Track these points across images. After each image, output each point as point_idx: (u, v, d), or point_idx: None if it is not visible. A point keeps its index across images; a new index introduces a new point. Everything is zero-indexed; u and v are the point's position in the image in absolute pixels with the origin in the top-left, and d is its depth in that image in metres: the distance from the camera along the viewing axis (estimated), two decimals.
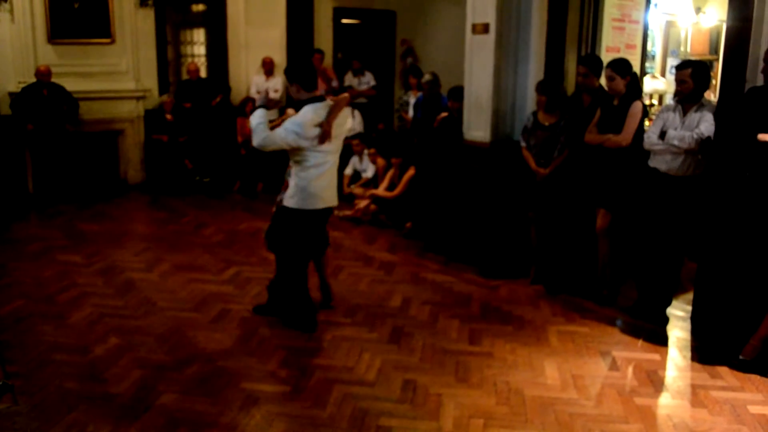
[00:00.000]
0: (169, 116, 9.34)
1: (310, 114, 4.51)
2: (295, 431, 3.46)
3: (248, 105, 9.30)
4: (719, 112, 4.67)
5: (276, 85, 9.77)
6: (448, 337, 4.67)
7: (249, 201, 8.75)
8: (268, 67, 9.74)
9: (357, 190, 8.27)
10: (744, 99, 4.41)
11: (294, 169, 4.65)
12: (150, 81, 9.53)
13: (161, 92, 9.62)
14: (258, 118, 4.58)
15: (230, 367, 4.13)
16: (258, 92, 9.66)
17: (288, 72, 4.81)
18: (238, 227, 7.44)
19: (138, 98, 9.40)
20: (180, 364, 4.15)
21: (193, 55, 10.26)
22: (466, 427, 3.52)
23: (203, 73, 9.98)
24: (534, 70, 6.00)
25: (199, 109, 9.47)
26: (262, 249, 6.54)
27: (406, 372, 4.11)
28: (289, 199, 4.66)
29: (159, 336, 4.57)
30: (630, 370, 4.24)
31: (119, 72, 9.19)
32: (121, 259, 6.20)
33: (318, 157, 4.56)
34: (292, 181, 4.65)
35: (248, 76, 9.99)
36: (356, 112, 9.36)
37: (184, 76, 9.88)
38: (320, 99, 4.63)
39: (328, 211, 4.84)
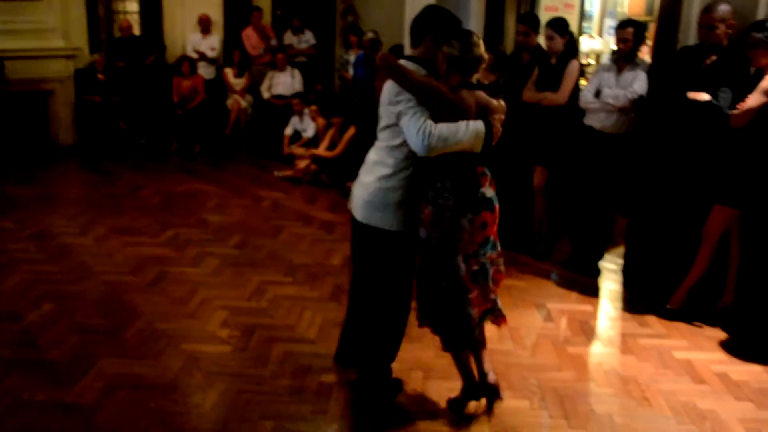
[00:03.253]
0: (101, 76, 9.03)
1: None
2: (237, 390, 3.47)
3: (184, 64, 9.08)
4: (653, 71, 4.79)
5: (213, 43, 9.55)
6: None
7: (187, 162, 8.59)
8: (204, 25, 9.50)
9: (297, 150, 8.20)
10: (676, 58, 4.53)
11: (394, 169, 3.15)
12: (80, 39, 9.16)
13: (92, 51, 9.27)
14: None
15: (169, 329, 4.10)
16: (194, 51, 9.44)
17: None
18: (176, 189, 7.32)
19: (68, 57, 9.03)
20: (117, 328, 4.10)
21: (125, 12, 9.90)
22: (406, 379, 3.59)
23: (136, 31, 9.66)
24: (474, 28, 6.01)
25: (133, 68, 9.19)
26: (201, 211, 6.50)
27: None
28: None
29: (95, 300, 4.49)
30: (564, 321, 4.38)
31: (47, 29, 8.79)
32: (53, 224, 6.03)
33: None
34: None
35: (184, 34, 9.73)
36: (296, 71, 9.24)
37: (116, 34, 9.55)
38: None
39: None
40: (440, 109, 2.99)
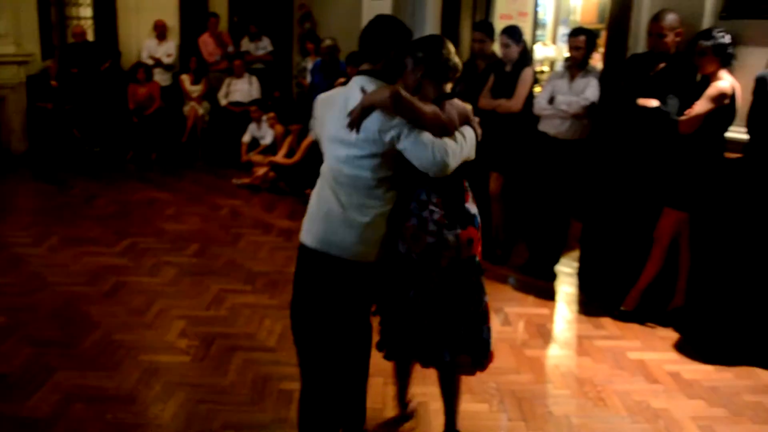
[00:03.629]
0: (53, 82, 8.87)
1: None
2: (197, 400, 3.44)
3: (140, 71, 8.98)
4: (604, 78, 4.90)
5: (169, 49, 9.46)
6: None
7: (143, 171, 8.49)
8: (160, 31, 9.42)
9: (255, 157, 8.18)
10: (625, 65, 4.65)
11: (386, 200, 2.83)
12: (32, 45, 9.00)
13: (45, 57, 9.12)
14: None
15: (127, 340, 4.05)
16: (150, 57, 9.33)
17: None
18: (132, 198, 7.22)
19: (19, 63, 8.86)
20: (73, 340, 4.03)
21: (78, 18, 9.75)
22: (367, 386, 3.60)
23: (90, 37, 9.53)
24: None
25: (87, 74, 9.06)
26: (158, 219, 6.43)
27: None
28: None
29: (50, 312, 4.41)
30: (521, 324, 4.45)
31: None
32: (5, 234, 5.90)
33: None
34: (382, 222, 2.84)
35: (139, 41, 9.63)
36: (254, 78, 9.21)
37: (70, 40, 9.40)
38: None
39: None
40: (439, 131, 2.72)
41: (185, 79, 9.37)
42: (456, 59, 2.88)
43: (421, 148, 2.63)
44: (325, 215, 2.82)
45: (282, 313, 4.44)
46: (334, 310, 2.91)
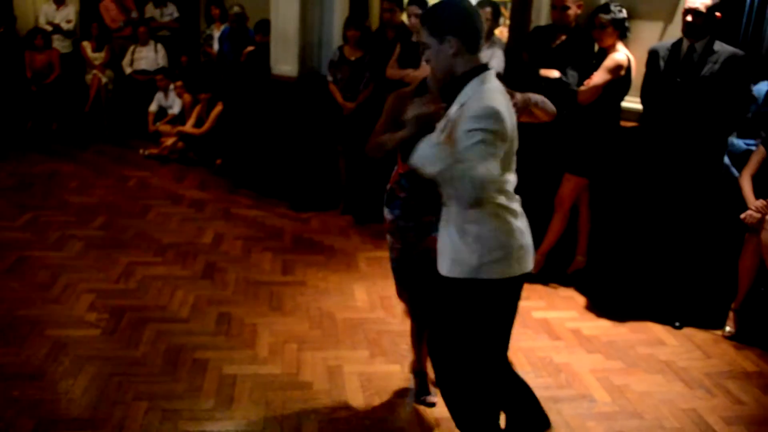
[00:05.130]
0: None
1: (500, 95, 2.42)
2: (108, 373, 3.40)
3: (37, 37, 8.55)
4: (509, 49, 5.04)
5: (68, 15, 9.04)
6: (261, 269, 4.76)
7: (44, 142, 8.13)
8: None
9: (163, 127, 7.97)
10: (529, 37, 4.79)
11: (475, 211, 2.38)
12: None
13: None
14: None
15: (33, 316, 3.93)
16: (48, 23, 8.90)
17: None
18: (33, 170, 6.93)
19: None
20: None
21: None
22: (281, 352, 3.66)
23: None
24: (340, 4, 6.07)
25: None
26: (61, 192, 6.21)
27: (221, 306, 4.16)
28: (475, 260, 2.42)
29: None
30: None
31: None
32: None
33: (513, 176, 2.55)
34: (472, 232, 2.42)
35: (36, 5, 9.15)
36: (159, 46, 8.92)
37: None
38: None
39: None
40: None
41: (86, 46, 8.98)
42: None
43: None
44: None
45: (194, 284, 4.45)
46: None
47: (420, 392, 3.33)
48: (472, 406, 2.62)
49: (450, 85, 2.46)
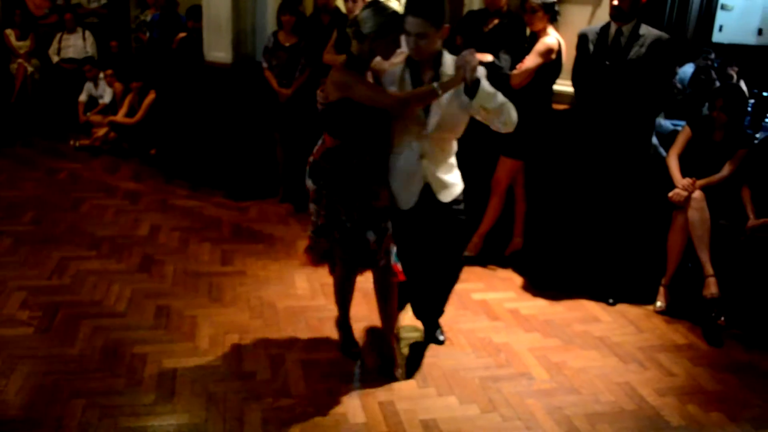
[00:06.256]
0: None
1: None
2: (43, 372, 3.31)
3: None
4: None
5: None
6: (199, 260, 4.69)
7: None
8: None
9: (94, 117, 7.75)
10: (462, 21, 4.83)
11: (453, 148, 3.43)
12: None
13: None
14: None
15: None
16: None
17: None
18: None
19: None
20: None
21: None
22: (222, 343, 3.63)
23: None
24: None
25: None
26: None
27: (159, 298, 4.10)
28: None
29: None
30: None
31: None
32: None
33: None
34: (454, 164, 3.47)
35: None
36: (88, 33, 8.66)
37: None
38: None
39: None
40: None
41: (10, 34, 8.63)
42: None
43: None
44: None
45: (130, 278, 4.37)
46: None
47: (347, 344, 3.62)
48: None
49: (436, 59, 3.20)
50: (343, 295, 3.59)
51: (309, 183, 3.30)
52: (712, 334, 3.99)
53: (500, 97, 3.13)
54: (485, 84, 3.11)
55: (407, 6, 3.13)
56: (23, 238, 4.92)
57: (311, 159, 3.29)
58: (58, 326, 3.74)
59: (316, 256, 3.46)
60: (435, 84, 3.08)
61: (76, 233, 5.05)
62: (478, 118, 3.21)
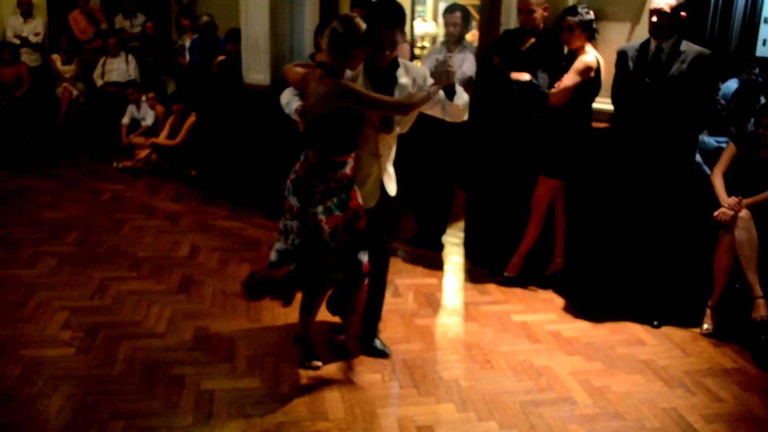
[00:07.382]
0: None
1: None
2: (83, 392, 3.34)
3: (5, 51, 8.44)
4: (479, 53, 5.05)
5: (36, 27, 8.93)
6: (238, 281, 4.65)
7: (15, 157, 8.00)
8: (25, 8, 8.85)
9: (137, 139, 7.89)
10: (498, 41, 4.80)
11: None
12: None
13: None
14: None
15: (5, 336, 3.86)
16: (16, 36, 8.79)
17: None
18: (4, 186, 6.79)
19: None
20: None
21: None
22: (259, 365, 3.62)
23: None
24: (309, 12, 6.06)
25: None
26: (33, 208, 6.12)
27: (197, 319, 4.11)
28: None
29: None
30: (411, 295, 4.58)
31: None
32: None
33: None
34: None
35: (3, 18, 9.02)
36: (130, 57, 8.85)
37: None
38: None
39: None
40: None
41: (56, 59, 8.87)
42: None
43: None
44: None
45: (170, 298, 4.40)
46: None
47: (306, 358, 3.65)
48: None
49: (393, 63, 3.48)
50: (309, 310, 3.65)
51: (293, 200, 3.35)
52: (763, 357, 3.85)
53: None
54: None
55: (382, 20, 3.32)
56: (67, 258, 5.00)
57: (293, 176, 3.38)
58: (99, 347, 3.78)
59: (259, 292, 3.43)
60: (426, 88, 3.39)
61: (117, 254, 5.12)
62: (428, 112, 3.52)
